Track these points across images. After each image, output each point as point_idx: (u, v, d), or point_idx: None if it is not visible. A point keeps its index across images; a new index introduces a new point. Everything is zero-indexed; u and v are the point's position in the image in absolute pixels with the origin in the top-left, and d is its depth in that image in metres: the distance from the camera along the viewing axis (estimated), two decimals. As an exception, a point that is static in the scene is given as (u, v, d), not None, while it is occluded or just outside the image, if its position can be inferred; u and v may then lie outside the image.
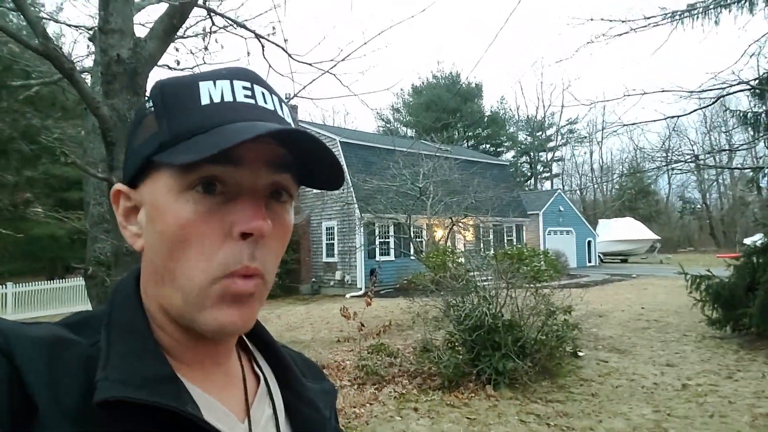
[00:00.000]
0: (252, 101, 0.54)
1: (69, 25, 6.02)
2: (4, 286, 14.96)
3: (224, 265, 0.50)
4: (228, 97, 0.53)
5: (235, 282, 0.51)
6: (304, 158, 0.55)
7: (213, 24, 5.11)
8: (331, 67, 3.73)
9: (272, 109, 0.55)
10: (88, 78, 4.80)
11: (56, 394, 0.45)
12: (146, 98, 0.57)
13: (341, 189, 17.02)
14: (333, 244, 18.61)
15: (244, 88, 0.54)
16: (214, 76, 0.54)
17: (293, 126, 0.55)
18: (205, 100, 0.52)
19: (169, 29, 2.41)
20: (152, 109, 0.54)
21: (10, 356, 0.45)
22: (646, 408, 5.22)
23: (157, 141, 0.52)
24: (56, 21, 5.93)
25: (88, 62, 6.64)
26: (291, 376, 0.66)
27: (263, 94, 0.55)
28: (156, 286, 0.53)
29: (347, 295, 16.49)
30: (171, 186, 0.51)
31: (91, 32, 5.98)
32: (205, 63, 5.77)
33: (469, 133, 44.82)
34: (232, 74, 0.55)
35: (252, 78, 0.56)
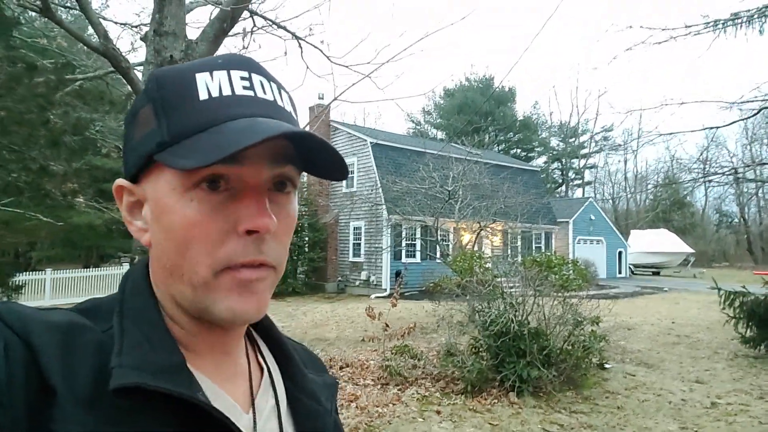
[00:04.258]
0: (251, 93, 0.53)
1: (116, 23, 6.24)
2: (43, 272, 15.57)
3: (227, 258, 0.51)
4: (226, 91, 0.52)
5: (241, 271, 0.51)
6: (307, 151, 0.55)
7: (254, 25, 5.26)
8: (371, 72, 3.80)
9: (272, 99, 0.54)
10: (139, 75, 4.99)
11: (71, 379, 0.46)
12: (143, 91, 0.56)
13: (370, 190, 17.01)
14: (360, 244, 18.74)
15: (242, 78, 0.53)
16: (211, 66, 0.53)
17: (294, 114, 0.57)
18: (203, 95, 0.51)
19: (219, 33, 2.52)
20: (149, 101, 0.53)
21: (29, 341, 0.45)
22: (673, 424, 5.13)
23: (156, 139, 0.51)
24: (104, 19, 6.15)
25: (131, 58, 6.90)
26: (294, 367, 0.67)
27: (262, 83, 0.54)
28: (166, 280, 0.54)
29: (372, 296, 16.58)
30: (174, 185, 0.51)
31: (135, 29, 6.21)
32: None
33: (501, 138, 44.45)
34: (229, 63, 0.54)
35: (249, 66, 0.54)
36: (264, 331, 0.68)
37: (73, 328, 0.49)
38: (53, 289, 15.40)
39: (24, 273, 15.45)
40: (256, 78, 0.54)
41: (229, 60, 0.54)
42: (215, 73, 0.52)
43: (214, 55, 2.81)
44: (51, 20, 2.19)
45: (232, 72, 0.53)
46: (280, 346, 0.68)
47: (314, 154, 0.55)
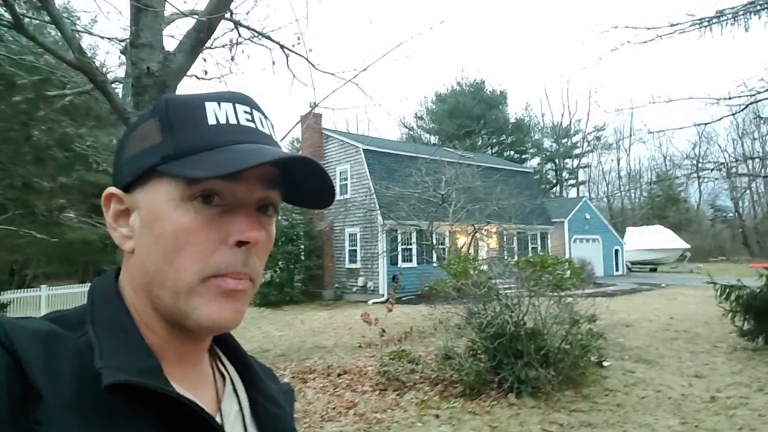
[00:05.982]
0: (252, 125, 0.59)
1: (102, 38, 6.25)
2: (38, 288, 15.50)
3: (216, 267, 0.54)
4: (232, 120, 0.57)
5: (226, 281, 0.55)
6: (293, 179, 0.60)
7: (239, 36, 5.26)
8: (354, 77, 3.80)
9: (268, 133, 0.61)
10: (119, 88, 5.00)
11: (55, 383, 0.47)
12: (149, 110, 0.61)
13: (364, 196, 17.06)
14: (356, 250, 18.70)
15: (245, 112, 0.59)
16: (218, 98, 0.59)
17: (282, 148, 0.63)
18: (211, 120, 0.56)
19: (196, 43, 2.51)
20: (156, 120, 0.57)
21: (11, 348, 0.47)
22: (673, 419, 5.11)
23: (161, 152, 0.55)
24: (91, 33, 6.15)
25: (120, 72, 6.93)
26: (254, 374, 0.71)
27: (261, 119, 0.61)
28: (146, 287, 0.56)
29: (369, 302, 16.53)
30: (172, 195, 0.54)
31: (123, 44, 6.22)
32: (231, 73, 5.94)
33: (493, 140, 44.58)
34: (235, 98, 0.60)
35: (251, 103, 0.61)
36: (222, 340, 0.71)
37: (53, 334, 0.51)
38: (48, 305, 15.32)
39: (18, 290, 15.39)
40: (257, 114, 0.60)
41: (234, 96, 0.60)
42: (222, 104, 0.58)
43: (190, 69, 2.81)
44: (24, 36, 2.17)
45: (237, 105, 0.59)
46: (238, 355, 0.71)
47: (300, 183, 0.61)
